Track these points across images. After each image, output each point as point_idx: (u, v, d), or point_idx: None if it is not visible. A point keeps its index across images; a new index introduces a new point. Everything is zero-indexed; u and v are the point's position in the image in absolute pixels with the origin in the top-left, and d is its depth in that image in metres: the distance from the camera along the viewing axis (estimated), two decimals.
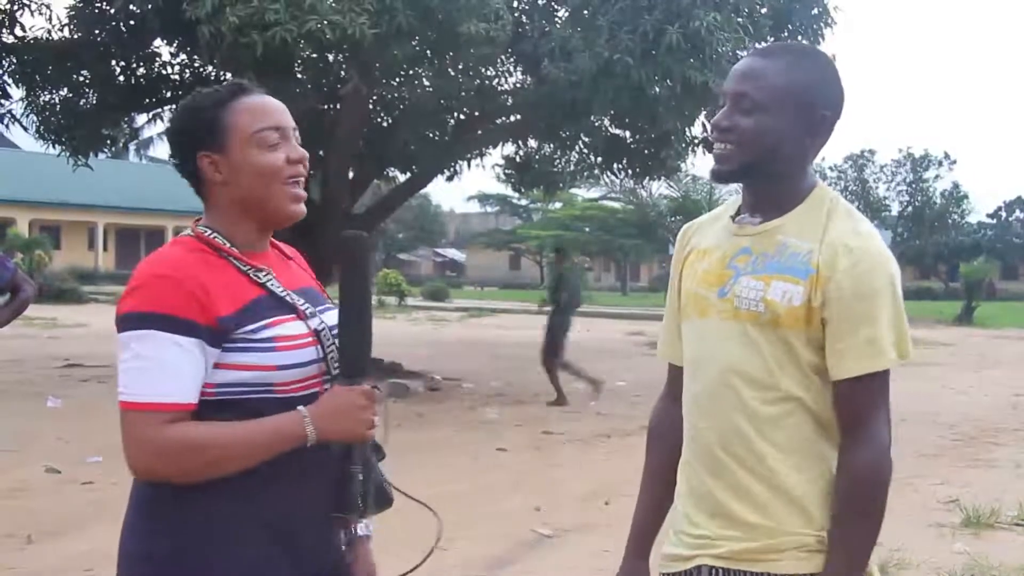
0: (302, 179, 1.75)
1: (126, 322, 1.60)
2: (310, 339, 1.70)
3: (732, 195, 1.95)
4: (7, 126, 12.82)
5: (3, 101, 12.22)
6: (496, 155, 14.90)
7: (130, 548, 1.68)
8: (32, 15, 11.54)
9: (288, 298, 1.72)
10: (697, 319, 1.84)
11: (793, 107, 1.75)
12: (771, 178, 1.79)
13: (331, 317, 1.77)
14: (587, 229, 52.15)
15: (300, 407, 1.65)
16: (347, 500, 1.72)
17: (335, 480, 1.73)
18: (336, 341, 1.73)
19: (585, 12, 10.31)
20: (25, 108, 12.23)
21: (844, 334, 1.70)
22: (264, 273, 1.72)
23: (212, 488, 1.61)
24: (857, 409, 1.72)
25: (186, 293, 1.59)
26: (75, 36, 11.53)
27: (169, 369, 1.58)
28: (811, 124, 1.77)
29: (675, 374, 2.01)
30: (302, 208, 1.75)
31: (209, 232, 1.71)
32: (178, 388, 1.58)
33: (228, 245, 1.70)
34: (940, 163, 46.53)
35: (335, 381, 1.71)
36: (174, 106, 13.39)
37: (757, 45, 10.89)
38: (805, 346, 1.73)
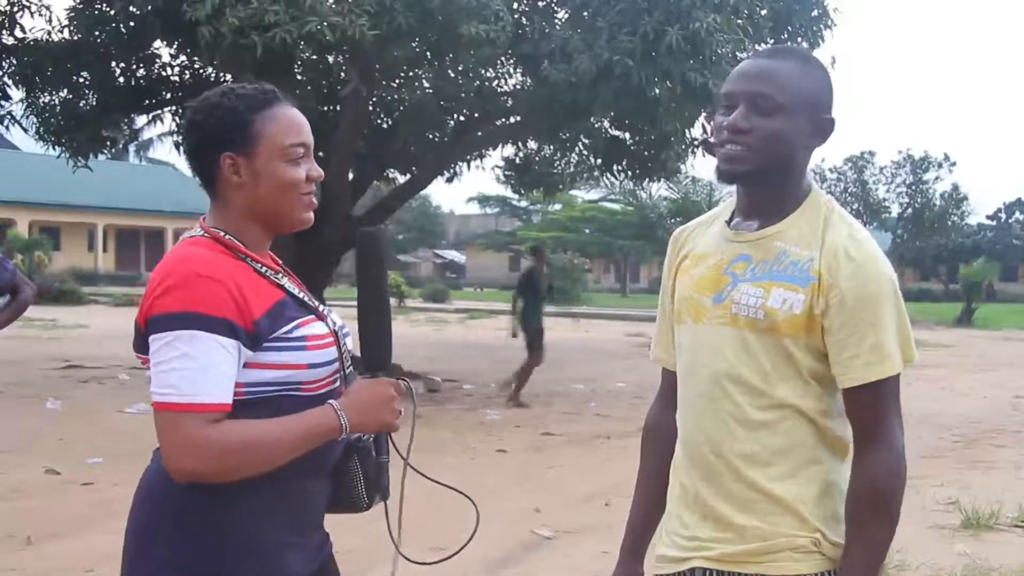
0: (314, 193, 1.78)
1: (169, 321, 1.58)
2: (332, 338, 1.75)
3: (731, 196, 1.94)
4: (7, 127, 12.81)
5: (3, 102, 12.21)
6: (496, 156, 14.94)
7: (166, 555, 1.65)
8: (32, 16, 11.56)
9: (307, 299, 1.77)
10: (691, 323, 1.84)
11: (805, 110, 1.74)
12: (778, 181, 1.78)
13: (336, 318, 1.83)
14: (587, 230, 52.18)
15: (330, 401, 1.69)
16: (368, 490, 1.80)
17: (336, 474, 1.79)
18: (346, 341, 1.79)
19: (585, 14, 10.32)
20: (25, 109, 12.22)
21: (850, 342, 1.70)
22: (280, 275, 1.76)
23: (245, 491, 1.63)
24: (869, 416, 1.72)
25: (227, 295, 1.60)
26: (75, 37, 11.52)
27: (215, 370, 1.58)
28: (818, 127, 1.77)
29: (667, 377, 2.02)
30: (311, 216, 1.78)
31: (223, 234, 1.72)
32: (221, 389, 1.59)
33: (243, 246, 1.72)
34: (940, 165, 46.46)
35: (350, 377, 1.77)
36: (175, 107, 13.47)
37: (757, 46, 10.89)
38: (804, 353, 1.73)
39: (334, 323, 1.79)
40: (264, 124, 1.71)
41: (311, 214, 1.78)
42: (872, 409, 1.72)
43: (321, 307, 1.79)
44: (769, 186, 1.79)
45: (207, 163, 1.72)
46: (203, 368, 1.57)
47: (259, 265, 1.72)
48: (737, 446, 1.76)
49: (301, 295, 1.76)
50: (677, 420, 1.90)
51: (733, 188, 1.89)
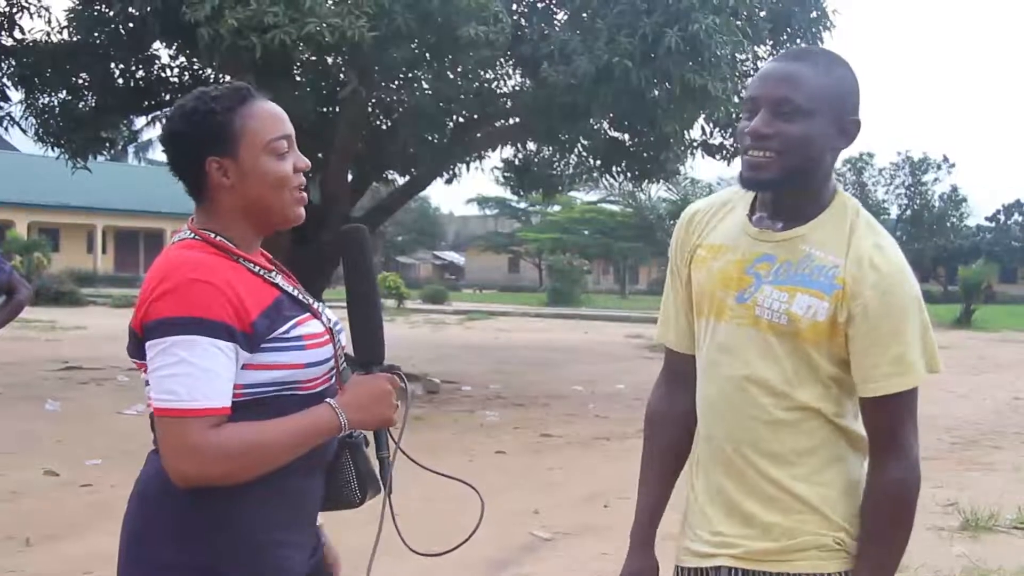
0: (304, 185, 1.77)
1: (166, 326, 1.58)
2: (327, 336, 1.74)
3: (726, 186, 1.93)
4: (6, 129, 12.79)
5: (2, 104, 12.21)
6: (495, 158, 14.92)
7: (164, 558, 1.65)
8: (31, 18, 11.58)
9: (302, 297, 1.76)
10: (713, 320, 1.83)
11: (829, 113, 1.72)
12: (804, 185, 1.76)
13: (330, 314, 1.82)
14: (586, 232, 52.22)
15: (328, 399, 1.69)
16: (361, 486, 1.81)
17: (328, 471, 1.80)
18: (340, 337, 1.79)
19: (584, 15, 10.32)
20: (24, 111, 12.21)
21: (872, 352, 1.69)
22: (274, 273, 1.75)
23: (242, 491, 1.63)
24: (887, 426, 1.73)
25: (223, 298, 1.60)
26: (74, 39, 11.52)
27: (214, 374, 1.57)
28: (843, 130, 1.75)
29: (672, 358, 2.00)
30: (302, 212, 1.77)
31: (213, 235, 1.71)
32: (221, 393, 1.58)
33: (235, 247, 1.71)
34: (939, 166, 46.62)
35: (344, 374, 1.77)
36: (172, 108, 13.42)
37: (756, 48, 10.91)
38: (825, 359, 1.73)
39: (328, 320, 1.79)
40: (244, 122, 1.69)
41: (302, 210, 1.77)
42: (890, 419, 1.72)
43: (315, 303, 1.79)
44: (795, 189, 1.77)
45: (192, 169, 1.71)
46: (202, 373, 1.56)
47: (252, 265, 1.71)
48: (760, 445, 1.76)
49: (295, 292, 1.76)
50: (698, 416, 1.89)
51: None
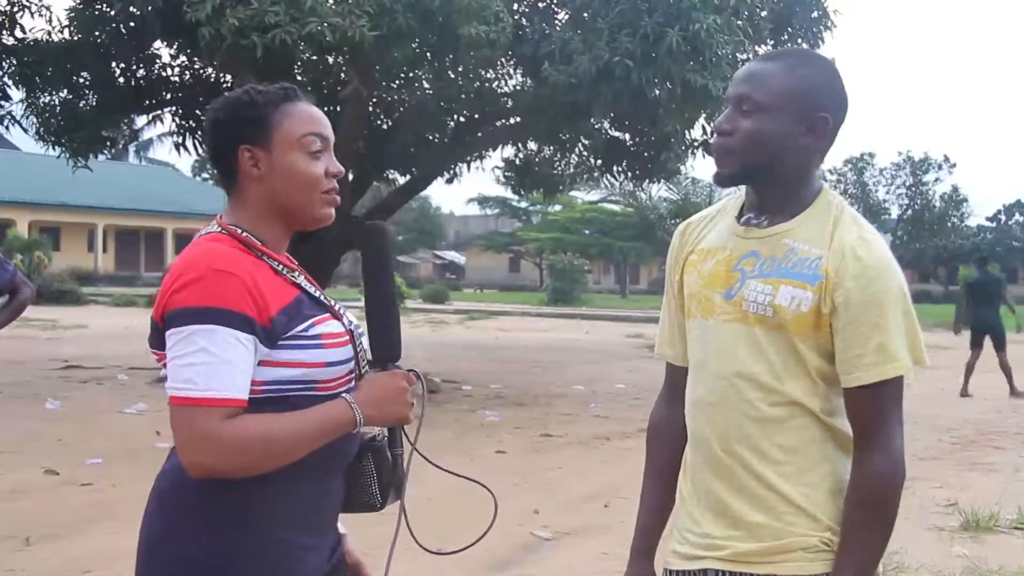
0: (337, 190, 1.78)
1: (188, 315, 1.58)
2: (347, 337, 1.75)
3: (730, 194, 1.96)
4: (7, 128, 12.78)
5: (3, 103, 12.20)
6: (496, 157, 14.91)
7: (183, 554, 1.65)
8: (32, 17, 11.55)
9: (323, 298, 1.77)
10: (701, 319, 1.85)
11: (792, 109, 1.75)
12: (774, 180, 1.79)
13: (351, 316, 1.84)
14: (587, 232, 52.26)
15: (344, 395, 1.69)
16: (383, 489, 1.80)
17: (350, 473, 1.79)
18: (361, 340, 1.79)
19: (585, 15, 10.32)
20: (25, 110, 12.20)
21: (854, 342, 1.70)
22: (297, 273, 1.76)
23: (261, 489, 1.63)
24: (870, 416, 1.72)
25: (246, 291, 1.60)
26: (75, 38, 11.51)
27: (233, 365, 1.57)
28: (811, 126, 1.77)
29: (673, 373, 2.01)
30: (332, 213, 1.78)
31: (240, 230, 1.71)
32: (239, 385, 1.58)
33: (261, 244, 1.72)
34: (939, 166, 46.57)
35: (365, 377, 1.77)
36: (175, 108, 13.46)
37: (757, 48, 10.91)
38: (813, 352, 1.74)
39: (350, 322, 1.79)
40: (281, 117, 1.72)
41: (332, 211, 1.78)
42: (873, 410, 1.72)
43: (337, 306, 1.79)
44: (768, 184, 1.80)
45: (227, 159, 1.73)
46: (221, 363, 1.56)
47: (276, 263, 1.72)
48: (748, 442, 1.77)
49: (317, 293, 1.76)
50: (687, 416, 1.89)
51: (733, 188, 1.90)
